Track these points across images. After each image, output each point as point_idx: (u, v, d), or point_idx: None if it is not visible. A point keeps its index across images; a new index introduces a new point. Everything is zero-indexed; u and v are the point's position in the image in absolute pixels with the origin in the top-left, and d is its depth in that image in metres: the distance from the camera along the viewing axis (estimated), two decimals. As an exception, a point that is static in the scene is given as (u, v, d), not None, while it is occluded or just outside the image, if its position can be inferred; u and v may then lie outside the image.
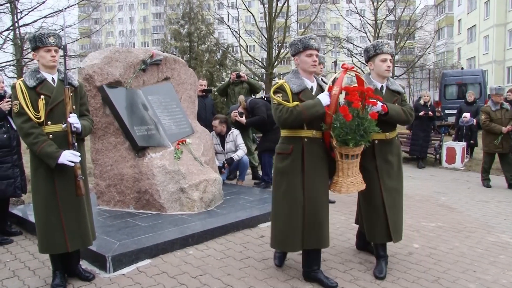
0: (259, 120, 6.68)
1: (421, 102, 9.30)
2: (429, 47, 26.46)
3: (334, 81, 3.22)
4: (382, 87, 3.53)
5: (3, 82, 4.39)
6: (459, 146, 9.18)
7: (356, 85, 3.30)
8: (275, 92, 3.20)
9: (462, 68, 23.98)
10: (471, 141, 10.20)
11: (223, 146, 6.77)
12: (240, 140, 6.81)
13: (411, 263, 3.72)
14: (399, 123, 3.56)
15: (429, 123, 9.29)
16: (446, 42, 38.79)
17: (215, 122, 6.70)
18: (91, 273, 3.44)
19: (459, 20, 38.50)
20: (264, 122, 6.67)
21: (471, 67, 32.30)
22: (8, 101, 4.14)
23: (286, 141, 3.26)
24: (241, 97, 7.11)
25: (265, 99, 7.03)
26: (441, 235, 4.53)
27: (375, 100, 3.17)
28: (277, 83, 3.26)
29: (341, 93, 3.18)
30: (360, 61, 25.19)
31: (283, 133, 3.30)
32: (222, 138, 6.80)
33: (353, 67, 3.34)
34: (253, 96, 7.81)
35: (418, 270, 3.58)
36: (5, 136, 4.25)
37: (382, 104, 3.26)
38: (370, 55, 3.55)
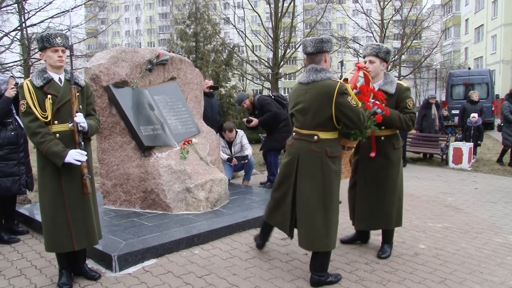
0: (271, 115, 6.51)
1: None
2: (436, 47, 26.24)
3: (347, 79, 3.43)
4: None
5: (15, 85, 4.39)
6: (466, 147, 9.12)
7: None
8: (349, 93, 3.11)
9: (469, 68, 23.83)
10: (479, 142, 10.14)
11: (230, 149, 6.80)
12: (245, 141, 6.83)
13: (417, 264, 3.70)
14: (394, 128, 3.71)
15: None
16: (453, 42, 38.56)
17: (227, 134, 6.71)
18: (97, 272, 3.46)
19: (466, 20, 38.25)
20: (275, 117, 6.55)
21: (478, 67, 32.12)
22: (13, 88, 4.16)
23: (338, 144, 3.27)
24: (250, 91, 7.11)
25: (272, 97, 6.98)
26: (448, 236, 4.50)
27: (380, 103, 3.41)
28: (344, 81, 3.20)
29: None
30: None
31: (335, 135, 3.22)
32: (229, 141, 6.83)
33: (365, 67, 3.50)
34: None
35: (424, 271, 3.56)
36: (12, 133, 4.27)
37: (385, 108, 3.48)
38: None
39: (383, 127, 3.63)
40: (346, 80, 3.46)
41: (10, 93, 4.18)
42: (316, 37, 3.22)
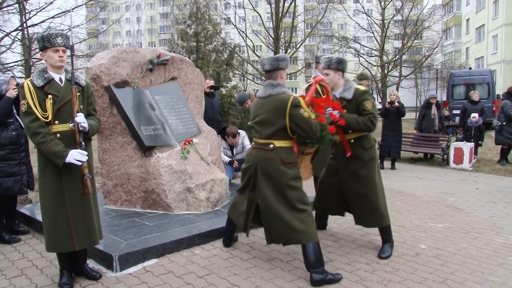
0: None
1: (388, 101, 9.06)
2: (436, 47, 26.17)
3: (306, 91, 3.74)
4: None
5: (17, 85, 4.39)
6: (467, 147, 9.11)
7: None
8: (301, 106, 3.36)
9: (470, 68, 23.81)
10: (480, 142, 10.13)
11: (231, 151, 6.80)
12: (247, 141, 6.82)
13: (418, 264, 3.70)
14: (355, 130, 3.87)
15: (399, 121, 9.06)
16: (454, 42, 38.46)
17: (230, 139, 6.71)
18: (98, 272, 3.46)
19: (467, 20, 38.19)
20: None
21: (479, 67, 32.07)
22: (14, 88, 4.16)
23: (293, 151, 3.51)
24: (251, 91, 7.13)
25: None
26: (449, 236, 4.50)
27: (336, 115, 3.65)
28: (297, 96, 3.44)
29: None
30: (367, 61, 25.13)
31: (290, 143, 3.48)
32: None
33: (323, 79, 3.84)
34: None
35: (425, 271, 3.56)
36: (13, 133, 4.28)
37: (340, 118, 3.70)
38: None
39: (350, 131, 3.86)
40: (305, 91, 3.72)
41: (12, 93, 4.18)
42: (273, 56, 3.58)
